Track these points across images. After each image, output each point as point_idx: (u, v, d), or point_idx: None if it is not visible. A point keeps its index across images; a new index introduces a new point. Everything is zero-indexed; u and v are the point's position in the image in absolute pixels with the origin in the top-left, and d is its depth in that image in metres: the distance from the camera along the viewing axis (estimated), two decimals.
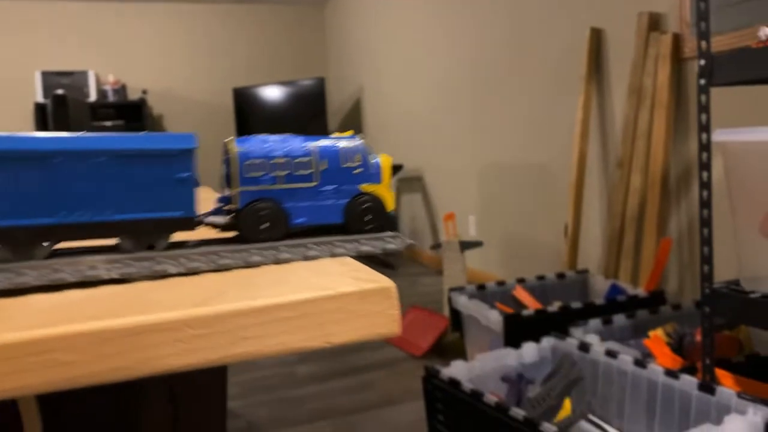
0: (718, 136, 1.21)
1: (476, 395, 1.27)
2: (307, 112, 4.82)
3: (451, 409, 1.37)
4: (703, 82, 1.28)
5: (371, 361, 2.26)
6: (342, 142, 0.47)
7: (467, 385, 1.31)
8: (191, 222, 0.39)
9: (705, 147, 1.29)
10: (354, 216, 0.46)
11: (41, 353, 0.22)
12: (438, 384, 1.40)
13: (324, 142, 0.46)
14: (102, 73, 5.15)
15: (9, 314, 0.26)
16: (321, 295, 0.28)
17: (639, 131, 2.07)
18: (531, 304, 2.06)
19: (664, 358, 1.48)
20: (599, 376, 1.45)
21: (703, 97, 1.29)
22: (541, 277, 2.18)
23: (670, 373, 1.28)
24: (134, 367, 0.24)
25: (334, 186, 0.45)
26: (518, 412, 1.16)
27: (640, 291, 1.93)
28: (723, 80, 1.26)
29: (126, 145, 0.37)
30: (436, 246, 2.70)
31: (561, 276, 2.20)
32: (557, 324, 1.79)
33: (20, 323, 0.24)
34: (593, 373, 1.47)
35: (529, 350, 1.54)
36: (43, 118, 4.62)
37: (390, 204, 0.48)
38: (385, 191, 0.47)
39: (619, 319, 1.71)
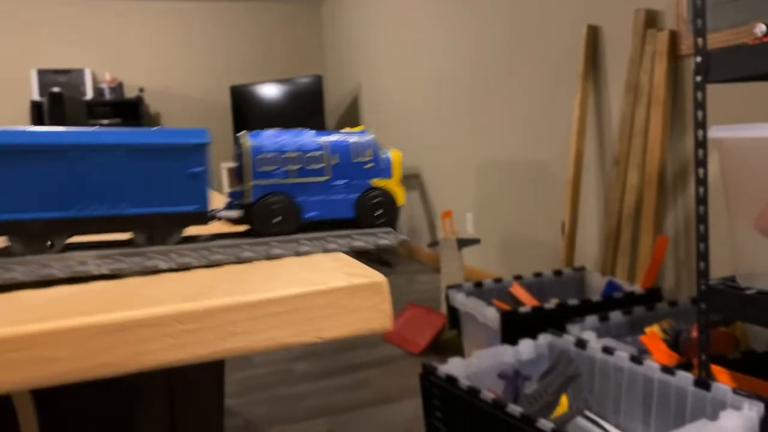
0: (714, 132, 1.21)
1: (473, 392, 1.27)
2: (304, 110, 4.81)
3: (448, 406, 1.37)
4: (699, 78, 1.28)
5: (368, 358, 2.26)
6: (353, 137, 0.47)
7: (464, 382, 1.31)
8: (204, 216, 0.39)
9: (701, 144, 1.29)
10: (365, 210, 0.46)
11: (27, 349, 0.22)
12: (435, 381, 1.40)
13: (335, 137, 0.46)
14: (98, 71, 5.13)
15: None
16: (311, 290, 0.28)
17: (636, 128, 2.07)
18: (528, 301, 2.06)
19: (660, 354, 1.49)
20: (596, 373, 1.45)
21: (699, 94, 1.29)
22: (538, 275, 2.18)
23: (667, 370, 1.29)
24: (122, 363, 0.24)
25: (346, 180, 0.45)
26: (515, 409, 1.16)
27: (637, 288, 1.93)
28: (719, 77, 1.26)
29: (140, 139, 0.37)
30: (434, 243, 2.70)
31: (558, 273, 2.20)
32: (554, 321, 1.79)
33: (7, 319, 0.24)
34: (590, 369, 1.47)
35: (526, 347, 1.54)
36: (39, 116, 4.61)
37: (400, 199, 0.48)
38: (396, 186, 0.48)
39: (616, 315, 1.71)
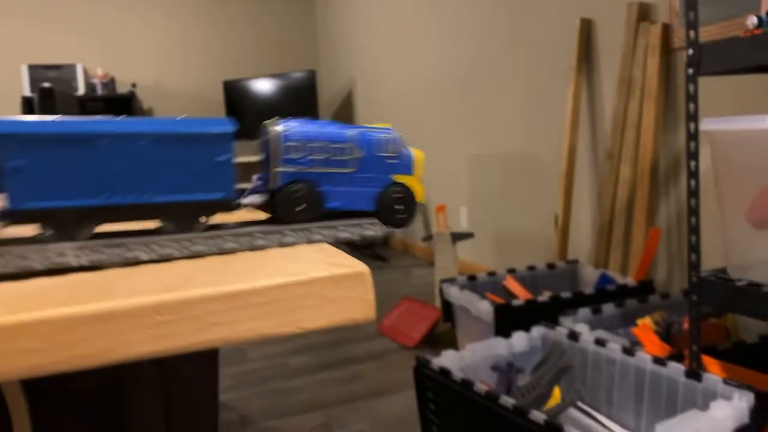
0: (706, 125, 1.21)
1: (466, 384, 1.27)
2: (298, 105, 4.80)
3: (441, 399, 1.37)
4: (691, 71, 1.29)
5: (363, 352, 2.26)
6: (379, 132, 0.48)
7: (458, 375, 1.31)
8: (230, 204, 0.40)
9: (693, 136, 1.30)
10: (385, 204, 0.46)
11: (6, 341, 0.22)
12: (429, 374, 1.40)
13: (362, 131, 0.47)
14: (90, 67, 5.10)
15: None
16: (293, 280, 0.28)
17: (628, 122, 2.07)
18: (521, 295, 2.07)
19: (652, 346, 1.49)
20: (588, 365, 1.46)
21: (691, 87, 1.29)
22: (531, 268, 2.19)
23: (658, 361, 1.29)
24: (102, 354, 0.24)
25: (369, 174, 0.46)
26: (508, 401, 1.17)
27: (630, 280, 1.94)
28: (711, 70, 1.26)
29: (167, 128, 0.38)
30: (428, 238, 2.70)
31: (551, 266, 2.20)
32: (547, 313, 1.80)
33: None
34: (582, 361, 1.47)
35: (519, 339, 1.54)
36: (30, 112, 4.58)
37: (420, 196, 0.49)
38: (416, 183, 0.48)
39: (609, 308, 1.72)
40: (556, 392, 1.41)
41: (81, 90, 4.84)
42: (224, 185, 0.40)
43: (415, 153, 0.50)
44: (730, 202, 1.23)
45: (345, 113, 5.19)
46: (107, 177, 0.36)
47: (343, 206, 0.45)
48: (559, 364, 1.40)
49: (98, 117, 0.41)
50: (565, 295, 1.85)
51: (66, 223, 0.35)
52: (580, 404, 1.46)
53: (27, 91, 4.65)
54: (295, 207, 0.42)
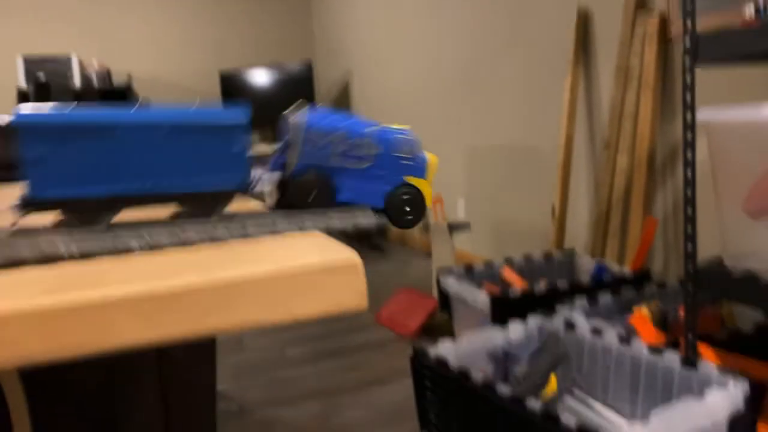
0: (703, 115, 1.21)
1: (463, 373, 1.28)
2: (295, 96, 4.78)
3: (438, 388, 1.38)
4: (688, 61, 1.28)
5: (361, 341, 2.27)
6: (397, 132, 0.48)
7: (454, 364, 1.32)
8: (245, 191, 0.41)
9: (690, 126, 1.30)
10: (395, 204, 0.47)
11: None
12: (426, 363, 1.41)
13: (381, 129, 0.47)
14: (86, 58, 5.07)
15: None
16: (285, 269, 0.28)
17: (626, 112, 2.07)
18: (518, 284, 2.07)
19: (648, 335, 1.50)
20: (584, 354, 1.47)
21: (688, 77, 1.29)
22: (528, 258, 2.19)
23: (654, 350, 1.30)
24: (90, 344, 0.24)
25: (382, 171, 0.46)
26: (504, 390, 1.17)
27: (626, 270, 1.95)
28: (708, 59, 1.26)
29: (183, 118, 0.38)
30: (425, 228, 2.71)
31: (548, 256, 2.21)
32: (544, 303, 1.80)
33: None
34: (579, 350, 1.48)
35: (516, 329, 1.55)
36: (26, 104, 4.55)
37: (429, 200, 0.49)
38: (426, 187, 0.49)
39: (605, 297, 1.73)
40: (553, 381, 1.41)
41: (77, 81, 4.81)
42: (239, 173, 0.40)
43: (430, 157, 0.50)
44: (727, 192, 1.24)
45: (342, 105, 5.17)
46: (125, 166, 0.37)
47: (354, 200, 0.45)
48: (555, 353, 1.40)
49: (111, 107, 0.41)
50: (562, 284, 1.86)
51: (85, 212, 0.36)
52: (576, 393, 1.47)
53: (22, 83, 4.63)
54: (307, 195, 0.43)
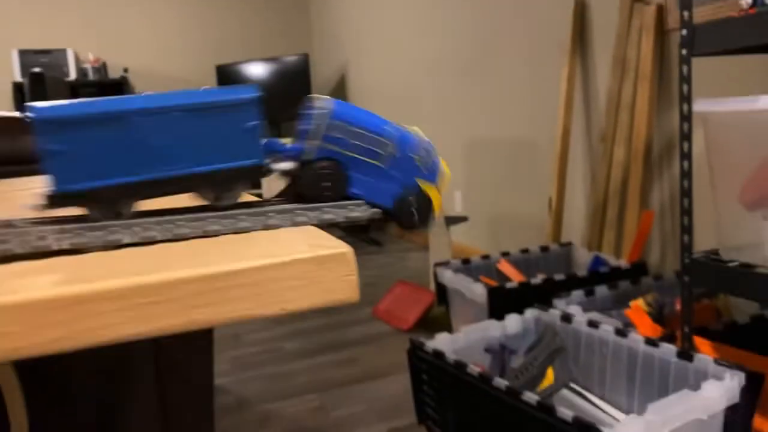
0: (699, 106, 1.21)
1: (460, 366, 1.28)
2: (291, 89, 4.76)
3: (435, 381, 1.38)
4: (684, 52, 1.28)
5: (358, 335, 2.28)
6: (416, 135, 0.49)
7: (451, 357, 1.32)
8: (261, 169, 0.41)
9: (686, 118, 1.30)
10: (403, 207, 0.47)
11: None
12: (423, 356, 1.41)
13: (402, 130, 0.48)
14: (82, 52, 5.04)
15: None
16: (275, 262, 0.28)
17: (622, 103, 2.07)
18: (515, 277, 2.07)
19: (644, 327, 1.51)
20: (581, 346, 1.47)
21: (685, 68, 1.29)
22: (525, 251, 2.19)
23: (650, 342, 1.30)
24: (80, 337, 0.24)
25: (396, 172, 0.47)
26: (501, 382, 1.17)
27: (623, 262, 1.95)
28: (705, 50, 1.26)
29: (195, 99, 0.39)
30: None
31: (545, 249, 2.21)
32: (540, 296, 1.80)
33: None
34: (575, 343, 1.48)
35: (513, 322, 1.55)
36: (21, 97, 4.53)
37: (438, 207, 0.49)
38: (437, 194, 0.49)
39: (602, 290, 1.73)
40: (550, 374, 1.42)
41: (72, 75, 4.79)
42: (254, 151, 0.41)
43: (443, 168, 0.51)
44: (723, 184, 1.24)
45: (338, 96, 5.16)
46: (144, 152, 0.37)
47: (364, 196, 0.46)
48: (552, 345, 1.41)
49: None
50: (559, 277, 1.86)
51: (107, 203, 0.37)
52: (573, 385, 1.47)
53: (18, 77, 4.60)
54: (321, 182, 0.43)
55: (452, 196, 3.39)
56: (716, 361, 1.16)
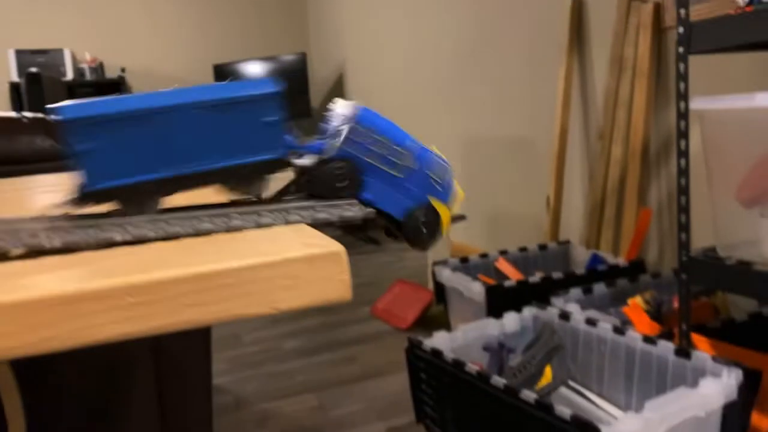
0: (696, 104, 1.21)
1: (458, 365, 1.28)
2: (289, 88, 4.76)
3: (434, 379, 1.38)
4: (681, 50, 1.28)
5: (357, 334, 2.28)
6: (434, 153, 0.50)
7: (449, 355, 1.32)
8: (284, 162, 0.42)
9: (683, 115, 1.30)
10: (412, 221, 0.48)
11: None
12: (421, 355, 1.41)
13: (422, 146, 0.49)
14: (78, 51, 5.03)
15: None
16: (266, 261, 0.28)
17: (620, 101, 2.07)
18: (513, 276, 2.07)
19: (642, 325, 1.51)
20: (579, 344, 1.47)
21: (682, 66, 1.29)
22: (523, 249, 2.19)
23: (648, 339, 1.30)
24: (71, 337, 0.23)
25: (411, 186, 0.47)
26: (499, 381, 1.18)
27: (621, 260, 1.95)
28: (701, 48, 1.26)
29: (219, 95, 0.39)
30: None
31: (543, 247, 2.21)
32: (539, 294, 1.80)
33: None
34: (573, 340, 1.49)
35: (511, 320, 1.55)
36: (18, 97, 4.53)
37: (446, 226, 0.50)
38: (447, 213, 0.50)
39: (600, 288, 1.73)
40: (548, 372, 1.42)
41: (69, 75, 4.78)
42: (278, 144, 0.41)
43: (457, 189, 0.52)
44: (720, 181, 1.24)
45: (336, 96, 5.15)
46: (171, 148, 0.38)
47: (376, 202, 0.46)
48: (550, 343, 1.41)
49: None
50: (557, 275, 1.86)
51: (137, 199, 0.37)
52: (571, 383, 1.47)
53: (14, 77, 4.60)
54: (335, 182, 0.44)
55: None
56: (714, 359, 1.16)
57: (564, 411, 1.02)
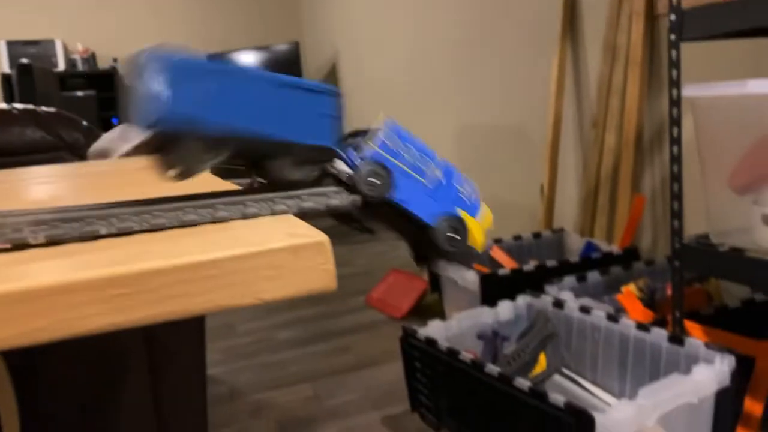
0: (688, 91, 1.21)
1: (452, 353, 1.29)
2: None
3: (428, 368, 1.39)
4: (673, 37, 1.28)
5: (351, 324, 2.28)
6: (460, 174, 0.53)
7: (444, 344, 1.32)
8: (332, 153, 0.46)
9: (675, 103, 1.30)
10: (441, 228, 0.50)
11: None
12: (415, 344, 1.42)
13: (447, 162, 0.52)
14: (70, 42, 4.99)
15: None
16: (250, 251, 0.27)
17: (613, 89, 2.06)
18: (507, 264, 2.08)
19: (636, 312, 1.51)
20: (573, 332, 1.48)
21: (674, 53, 1.28)
22: (517, 237, 2.20)
23: (642, 327, 1.31)
24: (54, 329, 0.23)
25: (441, 196, 0.50)
26: (493, 369, 1.18)
27: (615, 248, 1.96)
28: (693, 35, 1.25)
29: (292, 78, 0.44)
30: None
31: (537, 235, 2.22)
32: (533, 282, 1.81)
33: None
34: (567, 328, 1.49)
35: (505, 308, 1.56)
36: (9, 88, 4.49)
37: (479, 243, 0.52)
38: (479, 229, 0.52)
39: (593, 275, 1.74)
40: (542, 359, 1.43)
41: (61, 66, 4.75)
42: (328, 135, 0.45)
43: (485, 210, 0.55)
44: (713, 168, 1.24)
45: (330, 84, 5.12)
46: (245, 107, 0.41)
47: (407, 203, 0.49)
48: (544, 331, 1.41)
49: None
50: (551, 263, 1.87)
51: (203, 145, 0.40)
52: (565, 371, 1.48)
53: (6, 68, 4.56)
54: (367, 177, 0.47)
55: None
56: (707, 345, 1.17)
57: (558, 398, 1.03)
